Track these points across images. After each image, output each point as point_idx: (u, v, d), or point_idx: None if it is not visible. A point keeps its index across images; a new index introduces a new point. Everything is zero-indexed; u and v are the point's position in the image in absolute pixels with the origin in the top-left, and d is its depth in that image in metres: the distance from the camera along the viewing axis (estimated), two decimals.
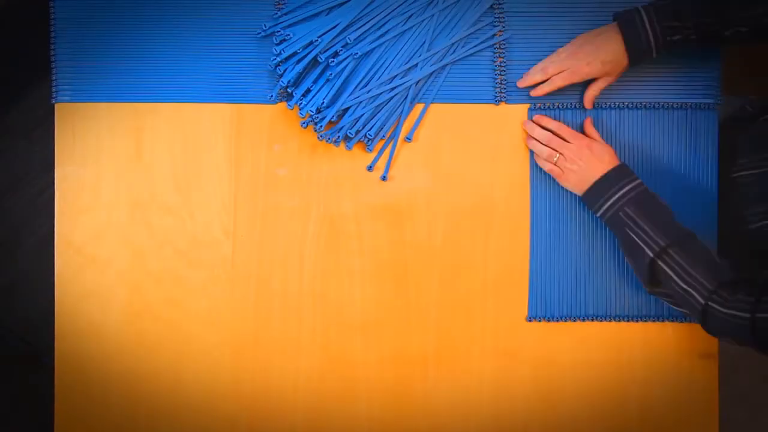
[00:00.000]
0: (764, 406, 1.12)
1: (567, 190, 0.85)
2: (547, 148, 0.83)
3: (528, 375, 0.86)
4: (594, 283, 0.86)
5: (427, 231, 0.87)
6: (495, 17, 0.87)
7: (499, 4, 0.86)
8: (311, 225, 0.87)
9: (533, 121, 0.86)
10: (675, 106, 0.86)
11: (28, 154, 1.04)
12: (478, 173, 0.87)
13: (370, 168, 0.87)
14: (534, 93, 0.84)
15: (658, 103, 0.86)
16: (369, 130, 0.85)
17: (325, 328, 0.87)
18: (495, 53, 0.87)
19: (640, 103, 0.86)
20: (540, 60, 0.84)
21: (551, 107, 0.86)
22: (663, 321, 0.86)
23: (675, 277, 0.74)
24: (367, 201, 0.87)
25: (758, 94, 0.88)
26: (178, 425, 0.87)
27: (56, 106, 0.88)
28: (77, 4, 0.88)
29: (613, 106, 0.86)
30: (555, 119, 0.85)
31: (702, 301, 0.72)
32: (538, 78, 0.83)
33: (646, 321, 0.86)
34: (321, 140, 0.85)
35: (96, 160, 0.88)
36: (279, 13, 0.86)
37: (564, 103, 0.86)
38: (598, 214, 0.80)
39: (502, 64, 0.86)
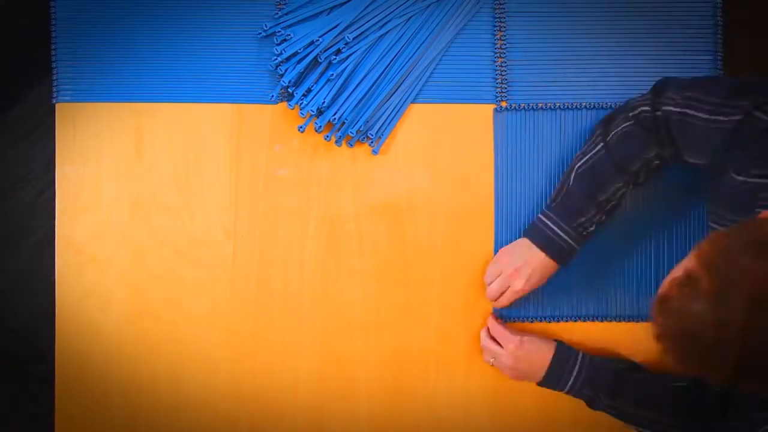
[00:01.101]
0: None
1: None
2: (487, 354, 0.84)
3: None
4: (594, 283, 0.86)
5: (427, 230, 0.87)
6: (495, 17, 0.87)
7: (500, 4, 0.87)
8: (311, 225, 0.87)
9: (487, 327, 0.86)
10: None
11: (29, 154, 1.04)
12: (478, 173, 0.87)
13: (375, 151, 0.87)
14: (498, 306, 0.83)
15: None
16: (370, 129, 0.85)
17: (325, 328, 0.87)
18: (495, 53, 0.87)
19: None
20: (539, 61, 0.86)
21: (527, 108, 0.86)
22: None
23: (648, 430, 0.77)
24: (367, 201, 0.87)
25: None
26: (178, 425, 0.87)
27: (57, 105, 0.88)
28: (77, 4, 0.88)
29: (613, 106, 0.86)
30: (491, 319, 0.85)
31: None
32: (488, 296, 0.83)
33: (646, 321, 0.86)
34: (325, 138, 0.85)
35: (96, 159, 0.88)
36: (280, 13, 0.87)
37: (545, 104, 0.86)
38: (563, 393, 0.81)
39: (502, 64, 0.87)
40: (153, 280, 0.87)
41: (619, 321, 0.86)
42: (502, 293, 0.81)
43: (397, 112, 0.86)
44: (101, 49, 0.88)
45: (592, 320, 0.86)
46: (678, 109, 0.68)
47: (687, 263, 0.53)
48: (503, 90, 0.86)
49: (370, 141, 0.86)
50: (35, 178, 1.04)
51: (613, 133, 0.75)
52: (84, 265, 0.87)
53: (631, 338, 0.86)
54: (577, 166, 0.77)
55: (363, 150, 0.87)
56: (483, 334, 0.85)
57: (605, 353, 0.86)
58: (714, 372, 0.51)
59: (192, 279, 0.87)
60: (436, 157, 0.87)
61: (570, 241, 0.77)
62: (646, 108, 0.72)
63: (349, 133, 0.85)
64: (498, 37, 0.87)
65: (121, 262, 0.87)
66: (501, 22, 0.87)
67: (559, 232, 0.77)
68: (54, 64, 0.88)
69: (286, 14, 0.86)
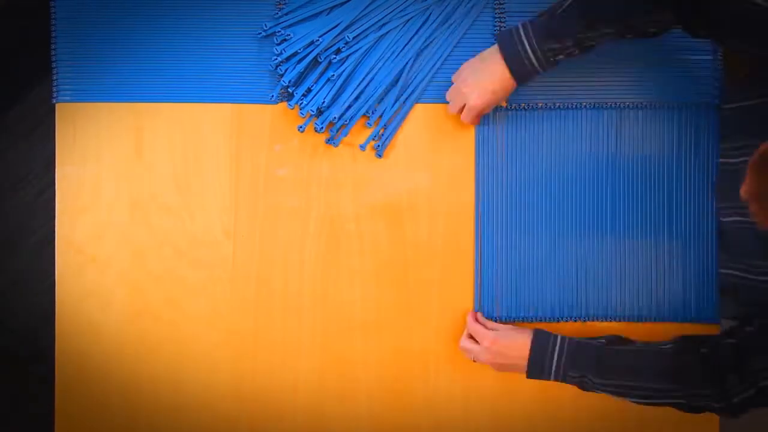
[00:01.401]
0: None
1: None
2: (467, 354, 0.83)
3: None
4: (593, 283, 0.86)
5: (428, 230, 0.87)
6: (495, 17, 0.87)
7: (500, 4, 0.87)
8: (311, 225, 0.87)
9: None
10: (675, 106, 0.86)
11: (29, 154, 1.04)
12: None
13: (362, 147, 0.87)
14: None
15: (658, 103, 0.86)
16: (376, 134, 0.85)
17: (325, 327, 0.87)
18: None
19: (640, 103, 0.86)
20: None
21: (527, 108, 0.86)
22: (663, 321, 0.86)
23: (648, 401, 0.76)
24: (367, 201, 0.87)
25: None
26: (178, 425, 0.87)
27: (57, 105, 0.88)
28: (77, 4, 0.88)
29: (613, 106, 0.86)
30: (476, 316, 0.85)
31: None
32: (452, 112, 0.84)
33: (646, 321, 0.86)
34: (328, 141, 0.85)
35: (96, 159, 0.88)
36: (280, 13, 0.87)
37: (545, 104, 0.86)
38: (552, 380, 0.79)
39: None
40: (153, 280, 0.87)
41: (620, 321, 0.86)
42: (461, 110, 0.81)
43: (404, 114, 0.86)
44: (101, 49, 0.88)
45: (593, 320, 0.86)
46: None
47: None
48: None
49: (377, 144, 0.86)
50: (35, 178, 1.04)
51: None
52: (84, 265, 0.87)
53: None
54: None
55: (361, 150, 0.87)
56: (463, 335, 0.84)
57: None
58: None
59: (192, 279, 0.87)
60: (436, 157, 0.87)
61: (535, 62, 0.76)
62: None
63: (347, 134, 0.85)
64: None
65: (121, 262, 0.87)
66: (501, 22, 0.87)
67: (528, 48, 0.75)
68: (54, 64, 0.88)
69: (286, 14, 0.86)
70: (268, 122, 0.87)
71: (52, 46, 0.88)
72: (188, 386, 0.87)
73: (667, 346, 0.76)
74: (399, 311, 0.87)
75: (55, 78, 0.88)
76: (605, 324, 0.86)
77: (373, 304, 0.87)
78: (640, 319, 0.86)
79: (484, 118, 0.86)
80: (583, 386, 0.78)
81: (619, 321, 0.86)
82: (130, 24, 0.87)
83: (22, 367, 1.04)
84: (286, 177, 0.87)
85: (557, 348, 0.78)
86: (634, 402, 0.77)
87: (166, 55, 0.88)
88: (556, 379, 0.79)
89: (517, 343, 0.80)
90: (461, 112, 0.83)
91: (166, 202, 0.87)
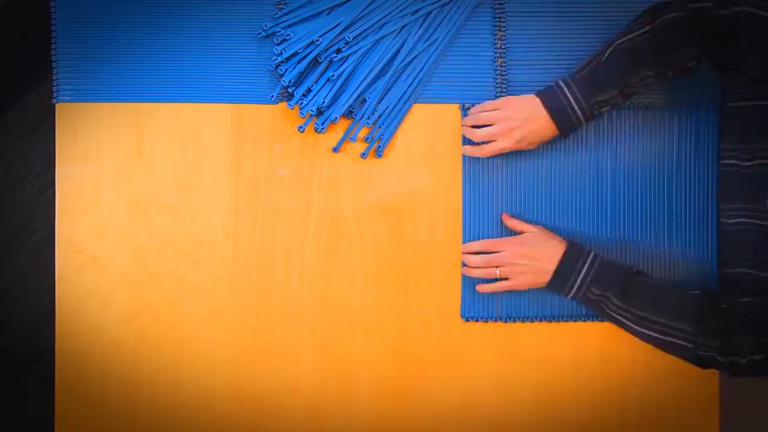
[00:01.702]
0: (764, 406, 1.12)
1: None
2: (483, 270, 0.82)
3: (529, 375, 0.86)
4: None
5: (427, 231, 0.87)
6: (495, 17, 0.87)
7: (500, 3, 0.87)
8: (311, 225, 0.87)
9: (464, 253, 0.84)
10: (675, 106, 0.86)
11: (29, 154, 1.04)
12: None
13: (363, 155, 0.87)
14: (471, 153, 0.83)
15: (658, 103, 0.86)
16: (375, 132, 0.85)
17: (325, 328, 0.87)
18: (495, 53, 0.87)
19: (640, 103, 0.86)
20: (539, 61, 0.86)
21: None
22: None
23: (658, 336, 0.75)
24: (368, 201, 0.87)
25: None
26: (178, 425, 0.87)
27: (57, 105, 0.88)
28: (77, 4, 0.88)
29: None
30: (477, 241, 0.84)
31: (692, 346, 0.72)
32: (471, 136, 0.81)
33: None
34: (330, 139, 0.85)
35: (97, 159, 0.88)
36: (280, 13, 0.87)
37: None
38: (568, 298, 0.79)
39: (502, 64, 0.87)
40: (153, 280, 0.87)
41: None
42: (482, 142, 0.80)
43: (404, 113, 0.86)
44: (102, 49, 0.88)
45: (593, 320, 0.86)
46: (753, 10, 0.66)
47: None
48: (503, 90, 0.86)
49: (378, 145, 0.86)
50: (35, 178, 1.04)
51: (663, 18, 0.73)
52: (84, 265, 0.87)
53: (631, 338, 0.86)
54: (617, 43, 0.75)
55: (363, 150, 0.87)
56: (473, 259, 0.82)
57: (606, 353, 0.86)
58: None
59: (192, 279, 0.87)
60: (436, 157, 0.87)
61: (581, 115, 0.76)
62: (708, 4, 0.69)
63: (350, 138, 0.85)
64: (498, 37, 0.87)
65: (122, 262, 0.87)
66: (501, 22, 0.87)
67: (573, 102, 0.76)
68: (54, 64, 0.88)
69: (286, 14, 0.86)
70: (268, 122, 0.87)
71: (52, 46, 0.88)
72: (188, 386, 0.87)
73: (695, 292, 0.75)
74: (399, 311, 0.87)
75: (55, 78, 0.88)
76: (605, 324, 0.86)
77: (373, 305, 0.87)
78: None
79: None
80: (600, 307, 0.77)
81: None
82: (130, 24, 0.87)
83: (22, 367, 1.04)
84: (286, 177, 0.87)
85: (588, 261, 0.78)
86: (644, 338, 0.76)
87: (166, 55, 0.88)
88: (575, 295, 0.78)
89: (554, 241, 0.79)
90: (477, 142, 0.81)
91: (166, 202, 0.87)
